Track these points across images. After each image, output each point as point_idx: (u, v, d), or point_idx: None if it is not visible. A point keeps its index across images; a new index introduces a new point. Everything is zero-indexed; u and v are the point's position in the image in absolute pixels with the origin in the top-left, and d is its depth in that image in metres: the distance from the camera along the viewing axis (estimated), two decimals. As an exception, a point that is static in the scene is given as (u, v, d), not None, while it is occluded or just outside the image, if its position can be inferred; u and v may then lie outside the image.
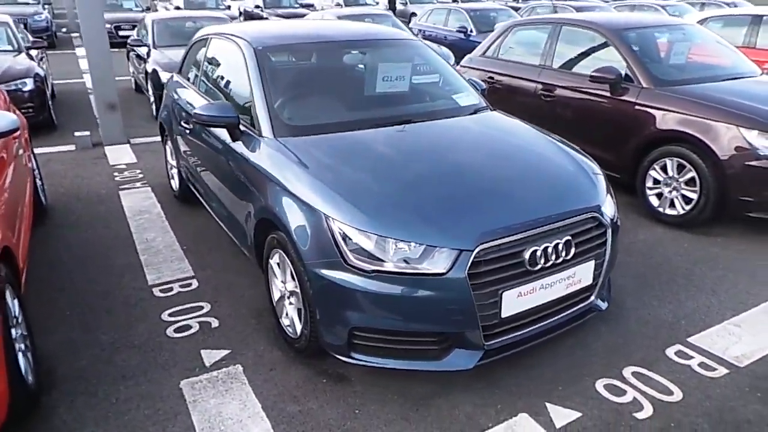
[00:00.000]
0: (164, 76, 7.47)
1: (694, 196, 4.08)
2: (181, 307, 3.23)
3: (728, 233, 4.10)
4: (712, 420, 2.34)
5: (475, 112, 3.38)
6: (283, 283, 2.81)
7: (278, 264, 2.83)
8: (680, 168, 4.16)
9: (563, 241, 2.43)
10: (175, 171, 4.78)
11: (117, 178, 5.49)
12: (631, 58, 4.57)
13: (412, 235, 2.29)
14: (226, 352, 2.83)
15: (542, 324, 2.50)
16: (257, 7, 18.66)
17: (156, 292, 3.41)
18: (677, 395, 2.48)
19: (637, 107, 4.40)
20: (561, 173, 2.81)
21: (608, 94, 4.61)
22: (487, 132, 3.19)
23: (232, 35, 3.60)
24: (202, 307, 3.23)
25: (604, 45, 4.84)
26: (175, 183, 4.86)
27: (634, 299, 3.25)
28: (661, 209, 4.32)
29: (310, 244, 2.41)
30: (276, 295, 2.92)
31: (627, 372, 2.64)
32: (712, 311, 3.13)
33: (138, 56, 8.77)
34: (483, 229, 2.31)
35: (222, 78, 3.66)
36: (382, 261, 2.27)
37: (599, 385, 2.56)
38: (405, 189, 2.49)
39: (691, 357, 2.74)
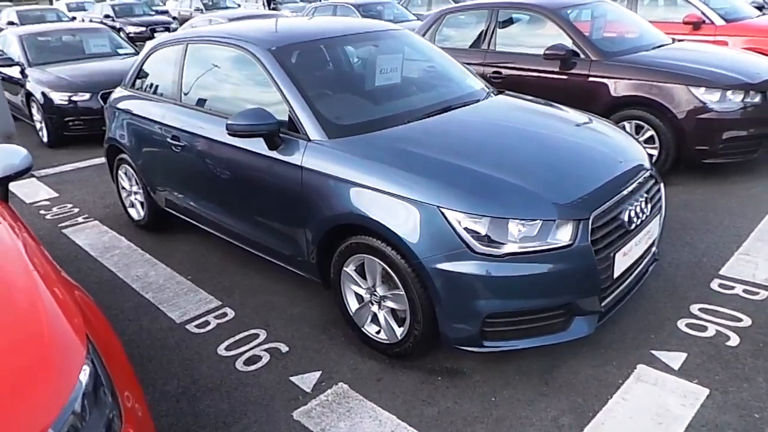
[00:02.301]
0: (57, 96, 6.62)
1: (654, 152, 4.56)
2: (234, 339, 2.92)
3: (686, 182, 4.63)
4: (787, 334, 2.69)
5: (488, 95, 3.46)
6: (367, 289, 2.67)
7: (356, 270, 2.68)
8: (638, 128, 4.62)
9: (643, 199, 2.61)
10: (136, 197, 4.26)
11: (48, 217, 4.75)
12: (576, 34, 4.96)
13: (526, 212, 2.31)
14: (318, 373, 2.63)
15: (632, 279, 2.67)
16: (107, 16, 16.99)
17: (191, 328, 3.04)
18: (747, 321, 2.80)
19: (590, 78, 4.79)
20: (610, 138, 3.00)
21: (558, 69, 4.96)
22: (524, 110, 3.29)
23: (225, 39, 3.29)
24: (257, 335, 2.95)
25: (545, 24, 5.19)
26: (136, 211, 4.33)
27: (654, 248, 3.57)
28: (624, 168, 4.76)
29: (424, 240, 2.32)
30: (354, 304, 2.77)
31: (695, 309, 2.91)
32: (720, 246, 3.55)
33: (6, 78, 7.60)
34: (590, 196, 2.41)
35: (227, 86, 3.33)
36: (502, 243, 2.27)
37: (682, 325, 2.80)
38: (501, 169, 2.48)
39: (733, 287, 3.10)
